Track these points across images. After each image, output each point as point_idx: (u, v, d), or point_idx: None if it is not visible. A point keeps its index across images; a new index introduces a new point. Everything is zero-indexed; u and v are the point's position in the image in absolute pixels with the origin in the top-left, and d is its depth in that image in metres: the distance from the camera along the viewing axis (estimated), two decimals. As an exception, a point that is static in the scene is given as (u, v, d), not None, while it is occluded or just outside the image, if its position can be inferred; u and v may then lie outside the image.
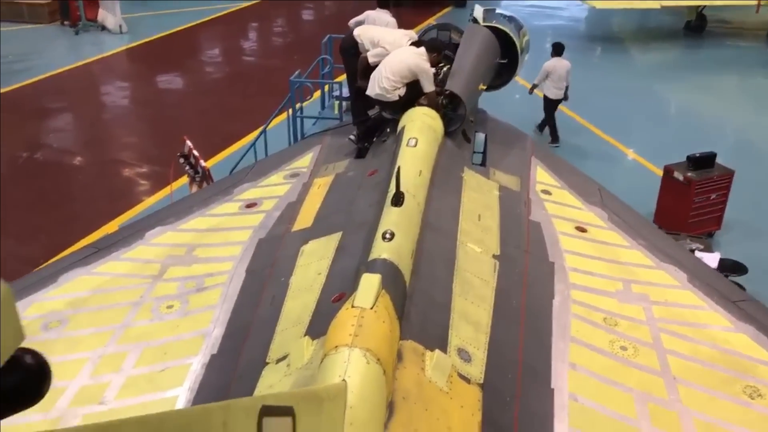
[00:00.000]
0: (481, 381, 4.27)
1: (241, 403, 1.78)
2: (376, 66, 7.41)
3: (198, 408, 1.56)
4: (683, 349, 4.98)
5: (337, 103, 11.50)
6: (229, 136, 14.95)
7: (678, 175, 10.27)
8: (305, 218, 6.36)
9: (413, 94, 7.20)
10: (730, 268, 8.58)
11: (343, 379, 3.34)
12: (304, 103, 12.18)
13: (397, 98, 7.16)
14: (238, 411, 1.70)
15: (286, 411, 2.10)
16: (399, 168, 5.32)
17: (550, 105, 14.17)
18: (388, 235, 4.75)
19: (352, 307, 3.87)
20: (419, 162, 5.99)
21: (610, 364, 4.79)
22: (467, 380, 4.21)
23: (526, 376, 4.52)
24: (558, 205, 6.80)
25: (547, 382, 4.54)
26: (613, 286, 5.65)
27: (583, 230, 6.40)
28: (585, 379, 4.62)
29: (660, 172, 11.22)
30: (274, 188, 7.31)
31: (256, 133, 12.52)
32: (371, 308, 3.86)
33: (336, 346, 3.60)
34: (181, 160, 10.21)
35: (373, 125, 7.53)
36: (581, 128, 15.36)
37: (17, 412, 1.02)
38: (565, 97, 14.05)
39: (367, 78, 7.47)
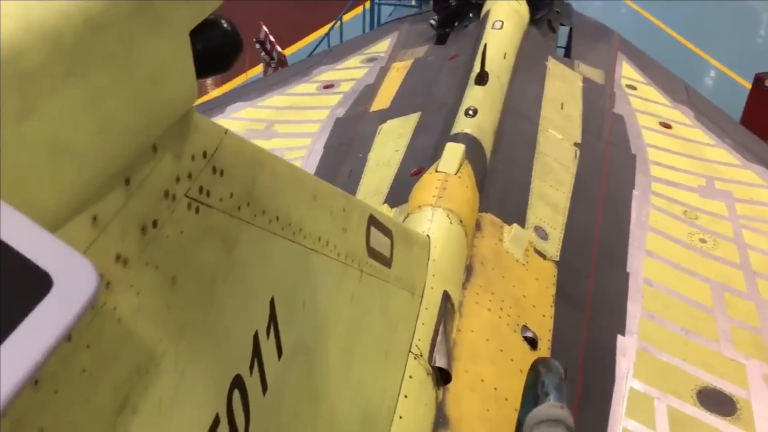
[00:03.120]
0: (557, 258, 4.28)
1: (357, 202, 1.84)
2: None
3: (329, 185, 1.62)
4: (765, 245, 4.88)
5: (415, -7, 11.20)
6: (301, 28, 14.82)
7: (769, 84, 9.78)
8: (383, 99, 6.34)
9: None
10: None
11: (427, 235, 3.40)
12: (381, -5, 11.92)
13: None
14: (355, 207, 1.76)
15: (387, 232, 2.16)
16: (485, 46, 5.20)
17: None
18: (471, 112, 4.71)
19: (436, 171, 3.90)
20: (504, 44, 5.85)
21: (687, 254, 4.74)
22: (543, 256, 4.23)
23: (602, 258, 4.52)
24: (643, 100, 6.59)
25: (622, 266, 4.54)
26: (696, 182, 5.52)
27: (667, 126, 6.22)
28: (661, 267, 4.60)
29: (747, 85, 10.70)
30: (351, 71, 7.28)
31: (329, 25, 12.36)
32: (455, 174, 3.88)
33: (419, 206, 3.65)
34: (257, 46, 10.20)
35: (455, 10, 7.34)
36: (663, 35, 14.66)
37: (210, 75, 1.08)
38: None
39: None
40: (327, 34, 11.22)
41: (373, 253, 1.93)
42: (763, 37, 15.29)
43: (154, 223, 0.95)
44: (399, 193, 4.50)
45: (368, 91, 6.64)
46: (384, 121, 5.84)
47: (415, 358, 2.71)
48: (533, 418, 1.39)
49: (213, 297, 1.10)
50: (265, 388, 1.26)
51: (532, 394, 1.48)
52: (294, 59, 11.94)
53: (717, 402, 3.72)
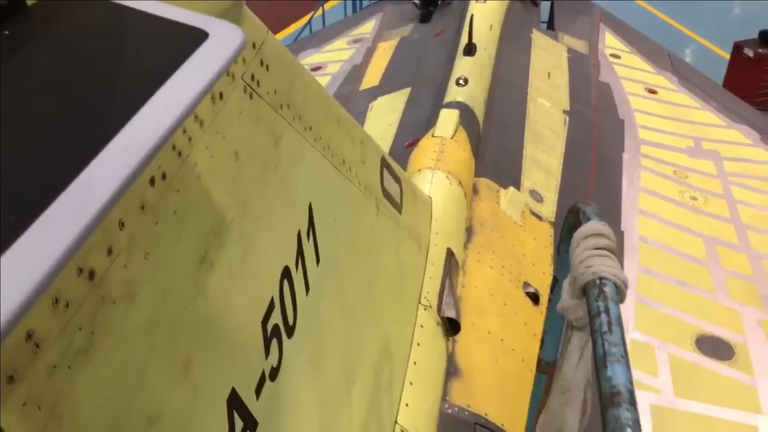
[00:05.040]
0: (553, 220, 4.37)
1: (371, 140, 1.90)
2: None
3: (348, 114, 1.69)
4: (754, 200, 5.00)
5: (396, -24, 11.22)
6: (284, 18, 14.80)
7: (748, 52, 9.92)
8: (372, 78, 6.40)
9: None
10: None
11: (429, 196, 3.47)
12: (362, -20, 11.95)
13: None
14: (370, 144, 1.83)
15: (397, 179, 2.22)
16: (472, 17, 5.28)
17: None
18: (462, 81, 4.78)
19: (433, 136, 3.97)
20: (489, 17, 5.93)
21: (680, 211, 4.85)
22: (539, 218, 4.32)
23: (597, 219, 4.61)
24: (627, 68, 6.70)
25: (616, 225, 4.63)
26: (684, 143, 5.64)
27: (653, 92, 6.33)
28: (655, 225, 4.70)
29: (727, 56, 10.84)
30: (338, 53, 7.33)
31: (311, 14, 12.36)
32: (451, 138, 3.96)
33: (419, 169, 3.72)
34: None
35: (438, -12, 7.40)
36: (639, 10, 14.78)
37: None
38: None
39: None
40: (309, 22, 11.24)
41: (386, 194, 2.00)
42: (741, 7, 15.45)
43: (221, 96, 1.03)
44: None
45: (356, 71, 6.69)
46: (375, 98, 5.89)
47: (425, 309, 2.78)
48: (580, 234, 1.49)
49: (266, 183, 1.17)
50: (307, 288, 1.33)
51: (572, 227, 1.57)
52: (277, 49, 11.94)
53: (715, 348, 3.83)
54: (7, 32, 0.67)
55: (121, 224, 0.83)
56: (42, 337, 0.70)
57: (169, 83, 0.63)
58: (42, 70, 0.68)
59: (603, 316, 1.31)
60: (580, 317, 1.44)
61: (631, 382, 1.18)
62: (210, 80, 0.65)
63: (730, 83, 10.18)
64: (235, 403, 1.06)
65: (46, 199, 0.58)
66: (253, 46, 1.14)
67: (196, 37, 0.68)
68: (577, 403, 1.46)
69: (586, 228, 1.51)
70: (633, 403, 1.14)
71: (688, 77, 6.75)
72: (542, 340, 1.91)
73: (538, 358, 1.94)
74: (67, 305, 0.74)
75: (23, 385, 0.68)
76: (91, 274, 0.79)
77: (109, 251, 0.81)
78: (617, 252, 1.52)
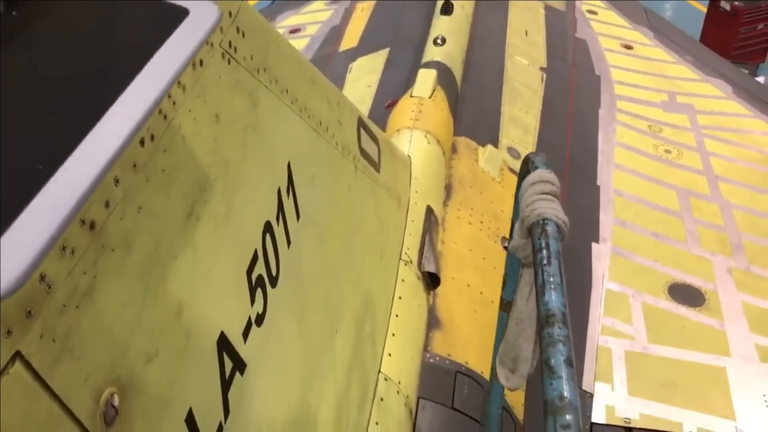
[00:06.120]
0: (531, 175, 4.48)
1: (347, 101, 1.98)
2: None
3: (323, 75, 1.76)
4: (726, 151, 5.13)
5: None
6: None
7: (725, 5, 9.97)
8: (351, 39, 6.41)
9: None
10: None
11: (408, 155, 3.56)
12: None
13: None
14: (346, 104, 1.90)
15: (375, 138, 2.30)
16: (448, -24, 5.30)
17: None
18: (439, 41, 4.83)
19: (411, 96, 4.04)
20: (466, -25, 5.93)
21: (654, 165, 4.96)
22: (517, 174, 4.42)
23: (573, 175, 4.72)
24: (604, 24, 6.76)
25: (593, 180, 4.74)
26: (658, 98, 5.73)
27: (629, 47, 6.41)
28: (630, 178, 4.82)
29: (704, 9, 10.87)
30: (316, 14, 7.32)
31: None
32: (429, 97, 4.03)
33: (398, 129, 3.80)
34: None
35: (415, -53, 7.36)
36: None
37: None
38: None
39: None
40: (287, -17, 11.11)
41: (364, 154, 2.08)
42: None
43: (201, 62, 1.10)
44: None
45: (335, 32, 6.71)
46: (354, 59, 5.92)
47: (405, 264, 2.89)
48: (528, 181, 1.62)
49: (246, 143, 1.26)
50: (289, 242, 1.42)
51: (525, 176, 1.70)
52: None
53: (687, 295, 3.98)
54: (14, 13, 0.75)
55: (116, 181, 0.92)
56: (53, 279, 0.80)
57: (156, 56, 0.71)
58: (49, 45, 0.76)
59: (544, 251, 1.47)
60: (527, 255, 1.59)
61: (564, 305, 1.33)
62: (191, 53, 0.72)
63: (707, 37, 10.25)
64: (224, 345, 1.17)
65: (56, 163, 0.66)
66: (230, 14, 1.21)
67: (178, 14, 0.75)
68: (529, 333, 1.61)
69: (533, 176, 1.64)
70: (565, 323, 1.28)
71: (663, 31, 6.82)
72: (504, 281, 2.04)
73: (501, 297, 2.08)
74: (73, 252, 0.83)
75: (39, 320, 0.78)
76: (92, 225, 0.88)
77: (107, 204, 0.90)
78: (560, 196, 1.64)
